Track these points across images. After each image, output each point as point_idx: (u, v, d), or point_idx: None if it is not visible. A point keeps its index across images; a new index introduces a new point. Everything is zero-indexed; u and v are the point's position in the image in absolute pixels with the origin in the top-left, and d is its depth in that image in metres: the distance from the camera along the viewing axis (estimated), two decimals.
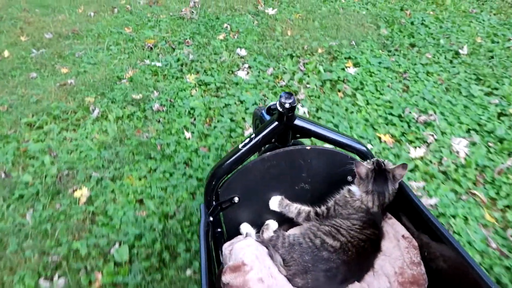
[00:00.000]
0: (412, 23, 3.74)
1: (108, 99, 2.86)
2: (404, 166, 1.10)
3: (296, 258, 1.05)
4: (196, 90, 2.90)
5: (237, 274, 0.96)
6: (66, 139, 2.58)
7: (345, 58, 3.19)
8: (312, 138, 1.69)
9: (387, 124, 2.52)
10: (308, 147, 1.15)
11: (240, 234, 1.20)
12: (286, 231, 1.21)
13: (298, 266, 1.04)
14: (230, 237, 1.18)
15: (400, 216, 1.14)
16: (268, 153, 1.13)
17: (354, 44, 3.39)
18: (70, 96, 2.92)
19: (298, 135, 1.19)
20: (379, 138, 2.40)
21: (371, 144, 2.36)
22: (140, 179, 2.26)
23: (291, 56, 3.25)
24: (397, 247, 1.08)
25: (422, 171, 2.18)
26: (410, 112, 2.57)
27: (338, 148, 1.18)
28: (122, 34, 3.68)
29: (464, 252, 0.86)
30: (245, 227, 1.20)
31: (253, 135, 1.14)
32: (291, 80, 2.95)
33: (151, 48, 3.43)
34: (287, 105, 1.06)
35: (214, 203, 1.15)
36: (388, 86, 2.87)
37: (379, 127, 2.48)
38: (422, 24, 3.73)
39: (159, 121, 2.65)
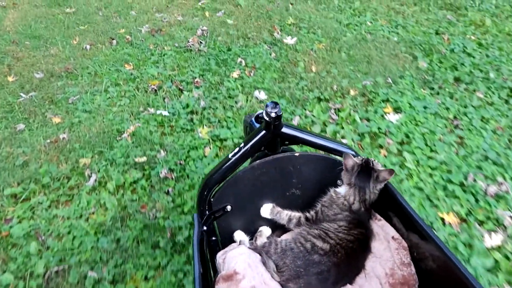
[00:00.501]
0: (452, 51, 3.27)
1: (106, 161, 2.41)
2: (391, 171, 1.11)
3: (289, 263, 1.06)
4: (210, 147, 2.45)
5: (229, 283, 0.96)
6: (57, 217, 2.13)
7: (383, 101, 2.73)
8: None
9: (447, 197, 2.05)
10: (297, 154, 1.17)
11: (234, 241, 1.21)
12: (279, 237, 1.21)
13: (290, 271, 1.05)
14: (224, 245, 1.18)
15: (390, 218, 1.14)
16: (257, 161, 1.14)
17: (391, 81, 2.92)
18: (63, 156, 2.48)
19: (287, 142, 1.21)
20: (442, 219, 1.93)
21: (434, 228, 1.89)
22: (147, 279, 1.82)
23: (319, 100, 2.78)
24: (388, 248, 1.09)
25: (505, 269, 1.71)
26: (474, 180, 2.10)
27: (326, 153, 1.20)
28: (121, 72, 3.22)
29: (449, 252, 0.89)
30: (239, 235, 1.22)
31: (242, 144, 1.15)
32: (323, 133, 2.49)
33: (156, 90, 2.98)
34: (273, 114, 1.08)
35: (207, 212, 1.16)
36: (440, 139, 2.41)
37: (438, 202, 2.01)
38: (464, 52, 3.26)
39: (167, 193, 2.20)
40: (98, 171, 2.35)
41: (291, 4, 4.16)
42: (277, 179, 1.20)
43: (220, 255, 1.10)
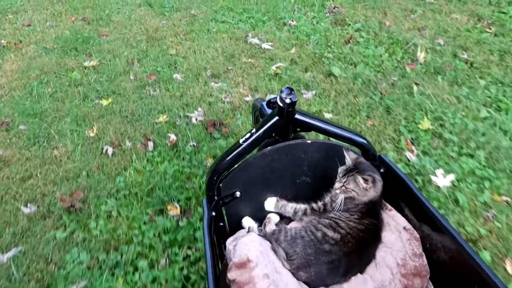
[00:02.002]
0: None
1: None
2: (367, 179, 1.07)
3: (299, 251, 1.04)
4: None
5: (243, 270, 0.95)
6: None
7: None
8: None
9: None
10: (309, 141, 1.15)
11: (242, 227, 1.18)
12: (288, 224, 1.17)
13: (301, 259, 1.03)
14: (232, 231, 1.17)
15: (402, 208, 1.12)
16: (269, 147, 1.12)
17: None
18: None
19: (299, 129, 1.17)
20: None
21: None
22: None
23: None
24: (399, 238, 1.08)
25: None
26: None
27: (339, 141, 1.17)
28: (160, 222, 1.95)
29: (464, 243, 0.87)
30: (247, 221, 1.19)
31: (254, 130, 1.11)
32: None
33: None
34: (287, 100, 1.04)
35: (216, 198, 1.13)
36: None
37: None
38: None
39: None
40: None
41: (416, 83, 2.77)
42: (288, 166, 1.16)
43: (230, 242, 1.08)
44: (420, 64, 3.00)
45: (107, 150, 2.29)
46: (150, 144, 2.31)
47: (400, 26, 3.52)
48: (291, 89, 1.05)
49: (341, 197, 1.09)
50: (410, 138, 2.32)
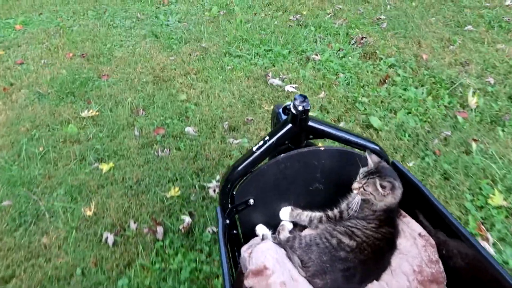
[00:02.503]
0: None
1: None
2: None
3: (314, 259, 1.03)
4: None
5: (260, 278, 0.96)
6: None
7: None
8: None
9: None
10: (322, 148, 1.15)
11: (255, 235, 1.18)
12: (301, 232, 1.16)
13: (316, 267, 1.02)
14: (246, 238, 1.16)
15: (416, 214, 1.12)
16: (282, 155, 1.12)
17: None
18: None
19: (311, 136, 1.17)
20: None
21: None
22: None
23: None
24: (414, 245, 1.07)
25: None
26: None
27: (351, 148, 1.17)
28: None
29: (483, 249, 0.86)
30: (261, 229, 1.18)
31: (267, 138, 1.12)
32: None
33: None
34: (300, 108, 1.05)
35: (229, 205, 1.13)
36: None
37: None
38: None
39: None
40: None
41: (474, 139, 2.33)
42: (301, 173, 1.16)
43: (245, 249, 1.08)
44: (472, 110, 2.56)
45: (107, 238, 1.87)
46: (160, 229, 1.88)
47: (439, 60, 3.09)
48: (305, 97, 1.06)
49: (358, 198, 1.08)
50: (480, 217, 1.88)
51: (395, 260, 1.07)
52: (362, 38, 3.46)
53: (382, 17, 3.83)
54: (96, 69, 3.24)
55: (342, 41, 3.47)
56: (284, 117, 1.24)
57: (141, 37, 3.74)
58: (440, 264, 1.04)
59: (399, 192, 1.06)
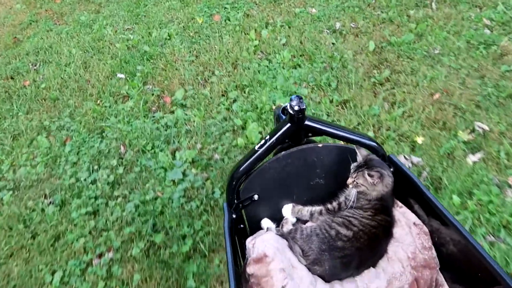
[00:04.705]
0: None
1: None
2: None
3: (314, 248, 1.10)
4: None
5: (260, 265, 1.02)
6: None
7: None
8: None
9: None
10: (320, 145, 1.22)
11: (261, 228, 1.25)
12: (304, 224, 1.23)
13: (316, 255, 1.09)
14: (252, 232, 1.24)
15: (411, 205, 1.19)
16: (282, 152, 1.20)
17: None
18: None
19: (310, 134, 1.24)
20: None
21: None
22: None
23: None
24: (409, 234, 1.13)
25: None
26: None
27: (349, 144, 1.23)
28: None
29: (469, 236, 0.94)
30: (266, 222, 1.25)
31: (268, 137, 1.19)
32: None
33: None
34: (296, 108, 1.11)
35: (235, 201, 1.21)
36: None
37: None
38: None
39: None
40: None
41: None
42: (302, 169, 1.23)
43: (249, 241, 1.14)
44: None
45: None
46: None
47: None
48: (300, 97, 1.12)
49: (354, 191, 1.16)
50: None
51: (391, 248, 1.13)
52: None
53: None
54: None
55: None
56: (284, 117, 1.32)
57: None
58: (433, 251, 1.09)
59: (388, 180, 1.13)
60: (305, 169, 1.23)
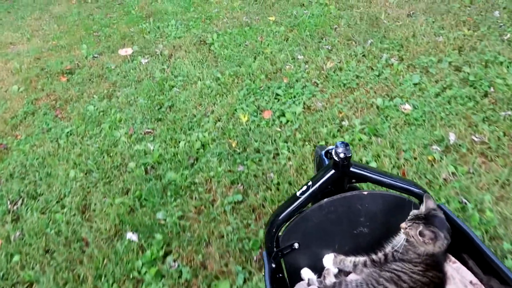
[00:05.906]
0: None
1: None
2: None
3: None
4: None
5: None
6: None
7: None
8: None
9: None
10: (365, 192, 1.17)
11: (301, 278, 1.20)
12: (346, 276, 1.17)
13: None
14: (291, 282, 1.19)
15: (465, 260, 1.10)
16: (325, 199, 1.15)
17: None
18: None
19: (354, 180, 1.20)
20: None
21: None
22: None
23: None
24: None
25: None
26: None
27: (395, 192, 1.18)
28: None
29: None
30: (306, 273, 1.20)
31: (310, 183, 1.15)
32: None
33: None
34: (342, 155, 1.07)
35: (275, 249, 1.16)
36: None
37: None
38: None
39: None
40: None
41: None
42: (345, 217, 1.19)
43: None
44: None
45: None
46: None
47: None
48: (346, 144, 1.09)
49: (403, 238, 1.09)
50: None
51: None
52: None
53: None
54: None
55: None
56: (326, 160, 1.31)
57: None
58: None
59: (442, 243, 1.03)
60: (349, 217, 1.18)
